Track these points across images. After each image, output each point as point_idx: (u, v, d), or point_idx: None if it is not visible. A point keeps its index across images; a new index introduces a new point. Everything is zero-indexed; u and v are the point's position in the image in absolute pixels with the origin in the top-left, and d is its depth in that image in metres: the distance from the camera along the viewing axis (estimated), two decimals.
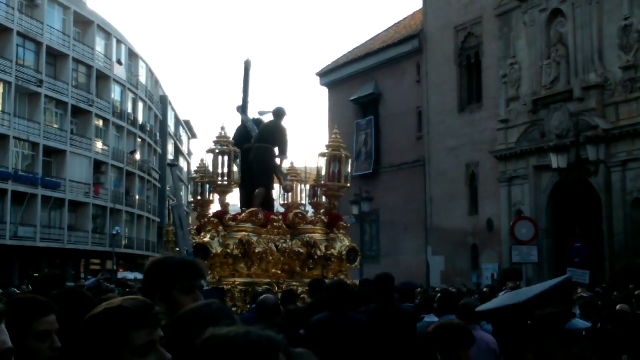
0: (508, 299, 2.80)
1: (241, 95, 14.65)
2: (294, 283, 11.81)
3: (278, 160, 13.58)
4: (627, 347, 6.17)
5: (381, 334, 7.50)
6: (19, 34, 44.76)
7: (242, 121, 14.30)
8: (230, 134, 13.34)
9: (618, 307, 8.73)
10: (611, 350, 6.51)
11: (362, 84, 44.62)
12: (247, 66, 14.53)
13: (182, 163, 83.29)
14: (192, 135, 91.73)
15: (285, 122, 13.53)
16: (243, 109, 14.41)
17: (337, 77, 47.61)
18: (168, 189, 71.14)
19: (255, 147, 13.26)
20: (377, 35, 47.70)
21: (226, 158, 12.50)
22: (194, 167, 73.49)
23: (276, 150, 13.38)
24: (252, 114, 14.74)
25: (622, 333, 6.48)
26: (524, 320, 2.66)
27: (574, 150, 23.35)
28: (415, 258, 38.23)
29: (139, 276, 45.33)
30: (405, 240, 39.77)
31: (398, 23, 47.19)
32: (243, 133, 13.98)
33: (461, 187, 36.15)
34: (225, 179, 12.54)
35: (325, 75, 49.22)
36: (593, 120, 27.66)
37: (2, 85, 43.89)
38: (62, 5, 49.72)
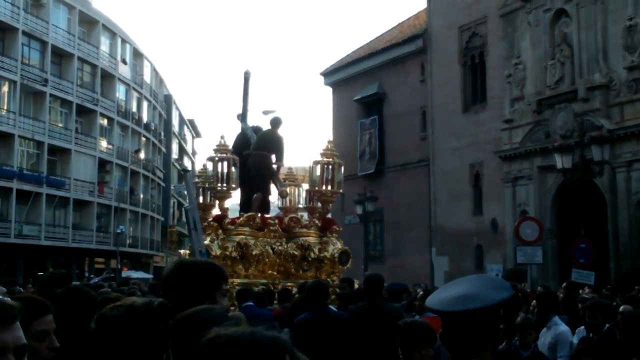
0: (470, 299, 2.74)
1: (241, 103, 15.09)
2: (289, 283, 12.46)
3: (275, 167, 14.15)
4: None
5: (366, 331, 7.67)
6: (24, 33, 44.86)
7: (242, 129, 14.78)
8: (230, 141, 13.99)
9: (621, 308, 8.70)
10: (621, 355, 6.46)
11: (366, 83, 44.60)
12: (247, 76, 15.00)
13: (187, 162, 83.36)
14: (196, 134, 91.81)
15: (281, 131, 14.13)
16: (243, 117, 14.90)
17: (341, 76, 47.58)
18: (172, 187, 71.20)
19: (254, 154, 13.83)
20: (381, 34, 47.69)
21: (225, 165, 13.27)
22: (198, 167, 73.59)
23: (273, 157, 13.96)
24: (252, 121, 15.21)
25: (634, 336, 6.41)
26: (495, 317, 2.71)
27: (578, 150, 23.32)
28: (419, 258, 38.22)
29: (142, 275, 45.36)
30: (409, 240, 39.75)
31: (402, 22, 47.15)
32: (242, 140, 14.52)
33: (465, 187, 36.11)
34: (224, 185, 13.26)
35: (329, 74, 49.21)
36: (597, 121, 27.65)
37: (7, 84, 43.98)
38: (67, 5, 49.83)
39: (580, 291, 14.37)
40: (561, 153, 23.08)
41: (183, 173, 12.21)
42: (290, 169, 15.87)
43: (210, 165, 13.59)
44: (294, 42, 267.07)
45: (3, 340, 2.42)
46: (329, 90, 49.73)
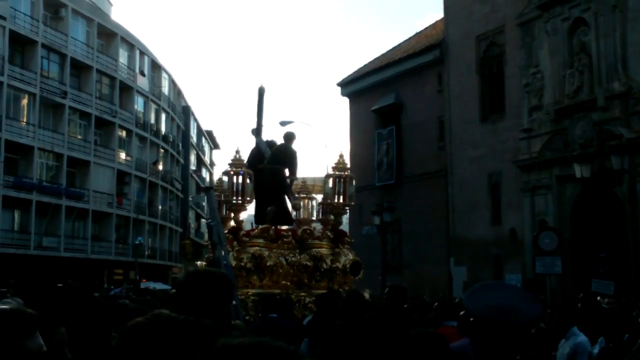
0: (517, 311, 2.78)
1: (255, 118, 15.43)
2: (302, 293, 12.92)
3: (288, 181, 14.57)
4: None
5: (383, 341, 7.70)
6: (43, 45, 45.22)
7: (256, 143, 15.14)
8: (245, 155, 14.45)
9: None
10: None
11: (383, 93, 44.55)
12: (261, 92, 15.28)
13: (204, 173, 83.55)
14: (215, 145, 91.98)
15: (295, 145, 14.58)
16: (257, 132, 15.24)
17: (358, 87, 47.57)
18: (190, 199, 71.36)
19: (268, 168, 14.28)
20: (398, 44, 47.66)
21: (240, 179, 13.71)
22: (216, 177, 73.85)
23: (287, 171, 14.40)
24: (268, 133, 15.50)
25: None
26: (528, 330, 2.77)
27: (597, 159, 23.18)
28: (437, 268, 38.04)
29: (161, 286, 45.30)
30: (427, 251, 39.57)
31: (419, 32, 47.12)
32: (257, 154, 14.88)
33: (484, 196, 35.93)
34: (239, 198, 13.73)
35: (346, 85, 49.22)
36: (617, 130, 27.43)
37: (26, 96, 44.35)
38: (86, 17, 50.20)
39: (599, 298, 14.26)
40: (580, 162, 22.97)
41: (206, 191, 12.64)
42: (304, 181, 16.20)
43: (225, 179, 13.99)
44: (311, 53, 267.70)
45: (28, 348, 2.52)
46: (346, 100, 49.73)
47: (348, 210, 15.16)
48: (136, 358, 2.32)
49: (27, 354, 2.50)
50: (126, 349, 2.35)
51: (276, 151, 14.49)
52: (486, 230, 35.57)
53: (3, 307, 4.22)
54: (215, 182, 15.50)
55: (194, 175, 74.16)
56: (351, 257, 13.73)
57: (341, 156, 14.56)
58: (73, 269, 46.81)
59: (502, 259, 34.55)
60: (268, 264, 12.83)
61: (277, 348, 1.82)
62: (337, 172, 14.07)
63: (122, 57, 55.18)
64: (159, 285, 45.00)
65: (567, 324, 8.27)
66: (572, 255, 29.63)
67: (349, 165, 15.04)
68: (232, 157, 13.99)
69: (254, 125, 15.32)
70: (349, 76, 49.16)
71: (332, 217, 14.30)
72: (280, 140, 14.82)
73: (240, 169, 13.68)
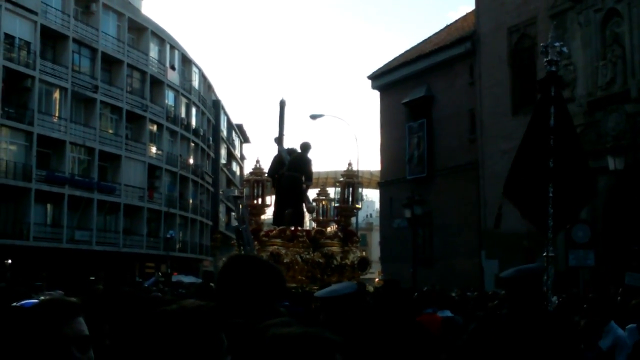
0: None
1: (277, 129, 16.89)
2: (315, 287, 13.77)
3: (304, 186, 16.18)
4: None
5: None
6: (74, 40, 45.60)
7: (278, 151, 16.66)
8: (265, 164, 16.35)
9: None
10: None
11: (414, 86, 44.37)
12: (282, 105, 16.69)
13: (235, 167, 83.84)
14: (245, 139, 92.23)
15: (310, 155, 16.31)
16: (279, 141, 16.71)
17: (388, 80, 47.43)
18: (221, 192, 71.70)
19: (286, 174, 15.89)
20: (429, 37, 47.43)
21: (260, 186, 15.73)
22: (246, 172, 74.14)
23: (303, 177, 16.03)
24: (292, 134, 16.70)
25: None
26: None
27: (631, 152, 22.93)
28: (468, 262, 37.85)
29: (192, 279, 45.48)
30: (458, 244, 39.40)
31: (450, 25, 46.87)
32: (279, 161, 16.48)
33: None
34: (259, 202, 15.66)
35: (376, 78, 49.10)
36: None
37: (58, 91, 44.75)
38: (117, 12, 50.54)
39: None
40: (614, 155, 22.72)
41: (234, 200, 14.15)
42: (323, 186, 18.15)
43: (247, 186, 16.05)
44: (342, 45, 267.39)
45: (65, 334, 2.62)
46: (377, 93, 49.63)
47: (357, 212, 17.55)
48: (165, 344, 2.38)
49: (64, 340, 2.59)
50: (154, 335, 2.40)
51: (294, 160, 16.01)
52: (518, 223, 35.11)
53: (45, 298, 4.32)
54: (245, 177, 16.84)
55: (224, 169, 74.12)
56: (359, 255, 15.30)
57: (350, 164, 16.49)
58: (105, 262, 47.24)
59: (534, 251, 34.25)
60: (285, 261, 14.15)
61: (321, 336, 1.93)
62: (346, 179, 15.91)
63: (153, 52, 55.51)
64: (191, 279, 45.28)
65: (605, 318, 8.19)
66: (605, 248, 29.36)
67: (359, 171, 16.45)
68: (252, 167, 15.96)
69: (276, 135, 16.70)
70: (379, 69, 49.05)
71: (342, 218, 15.84)
72: (299, 148, 16.24)
73: (259, 177, 15.61)
